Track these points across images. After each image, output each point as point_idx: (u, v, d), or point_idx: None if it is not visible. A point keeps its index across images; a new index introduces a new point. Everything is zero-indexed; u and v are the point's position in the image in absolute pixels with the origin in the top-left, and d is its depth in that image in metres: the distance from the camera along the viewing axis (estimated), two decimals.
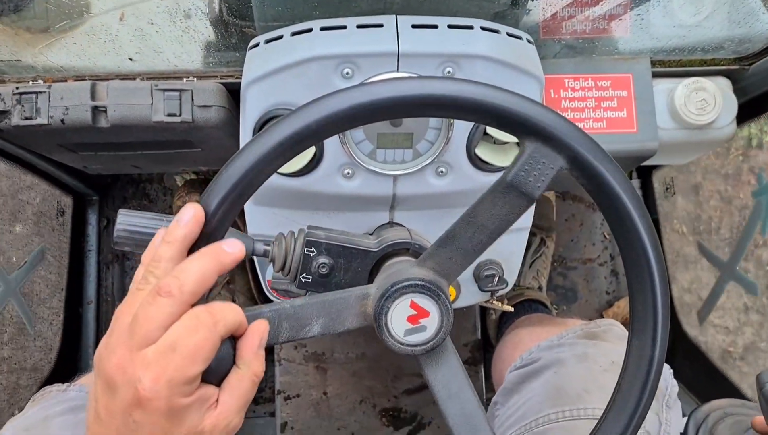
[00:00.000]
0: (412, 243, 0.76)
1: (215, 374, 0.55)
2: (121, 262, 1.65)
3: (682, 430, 0.88)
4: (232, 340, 0.56)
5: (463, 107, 0.57)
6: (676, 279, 1.56)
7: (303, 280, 0.74)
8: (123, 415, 0.51)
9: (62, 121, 0.90)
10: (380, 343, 0.61)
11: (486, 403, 1.39)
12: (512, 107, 0.56)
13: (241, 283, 1.50)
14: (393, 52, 0.77)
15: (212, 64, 0.97)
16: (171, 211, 1.61)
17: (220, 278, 1.47)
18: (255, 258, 0.78)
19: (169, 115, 0.91)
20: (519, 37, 0.85)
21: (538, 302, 1.48)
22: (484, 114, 0.57)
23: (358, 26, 0.79)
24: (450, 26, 0.80)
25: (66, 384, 0.92)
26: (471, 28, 0.80)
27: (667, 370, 0.93)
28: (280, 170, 0.69)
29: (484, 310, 1.52)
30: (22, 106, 0.90)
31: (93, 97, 0.91)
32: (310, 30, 0.80)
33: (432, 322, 0.60)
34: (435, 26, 0.80)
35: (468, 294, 0.96)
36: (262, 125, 0.81)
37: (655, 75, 0.99)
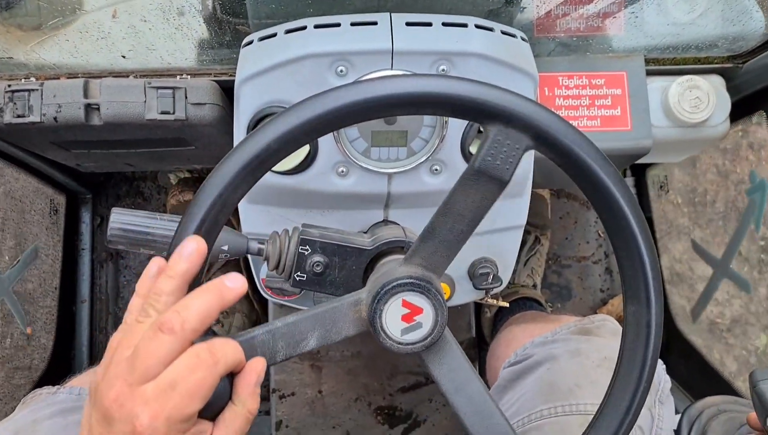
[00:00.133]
0: (407, 241, 0.76)
1: (210, 409, 0.54)
2: (115, 261, 1.65)
3: (675, 427, 0.88)
4: (230, 375, 0.56)
5: (419, 102, 0.56)
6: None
7: (297, 279, 0.74)
8: None
9: (55, 118, 0.90)
10: (375, 341, 0.61)
11: None
12: (468, 94, 0.56)
13: None
14: (387, 49, 0.77)
15: (206, 61, 0.97)
16: (165, 209, 1.61)
17: (214, 277, 1.46)
18: (249, 256, 0.78)
19: (163, 112, 0.90)
20: (513, 35, 0.85)
21: (533, 300, 1.48)
22: (441, 105, 0.57)
23: (352, 24, 0.79)
24: (444, 24, 0.80)
25: (56, 386, 0.91)
26: (465, 25, 0.80)
27: (660, 366, 0.93)
28: (274, 168, 0.69)
29: (478, 308, 1.52)
30: (15, 103, 0.89)
31: (86, 94, 0.90)
32: (304, 28, 0.80)
33: (427, 318, 0.59)
34: (429, 24, 0.80)
35: (463, 292, 0.96)
36: (256, 123, 0.81)
37: (649, 73, 0.99)
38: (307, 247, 0.73)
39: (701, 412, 0.89)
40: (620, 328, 0.65)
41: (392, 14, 0.80)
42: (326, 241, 0.73)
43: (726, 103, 1.00)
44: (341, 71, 0.78)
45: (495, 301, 1.03)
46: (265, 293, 0.96)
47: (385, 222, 0.90)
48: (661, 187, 1.58)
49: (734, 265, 1.33)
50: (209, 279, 1.39)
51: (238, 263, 1.51)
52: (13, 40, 0.92)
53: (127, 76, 0.95)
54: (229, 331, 1.40)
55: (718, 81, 1.02)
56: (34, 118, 0.90)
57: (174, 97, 0.90)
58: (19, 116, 0.90)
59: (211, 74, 0.95)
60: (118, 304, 1.65)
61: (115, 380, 0.51)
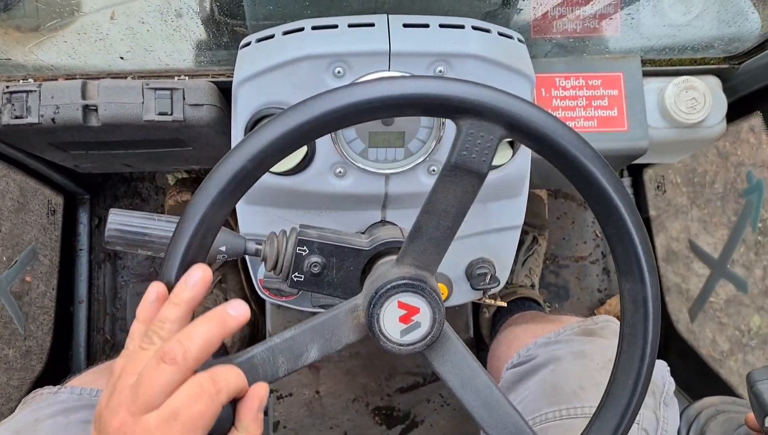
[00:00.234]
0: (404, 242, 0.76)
1: None
2: (113, 262, 1.65)
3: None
4: (232, 401, 0.56)
5: (388, 106, 0.56)
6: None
7: (295, 279, 0.74)
8: None
9: (53, 120, 0.90)
10: (373, 342, 0.61)
11: None
12: (435, 92, 0.56)
13: (234, 282, 1.50)
14: (384, 51, 0.77)
15: (204, 62, 0.97)
16: (163, 209, 1.61)
17: (213, 277, 1.47)
18: (247, 257, 0.78)
19: (161, 113, 0.91)
20: (510, 37, 0.85)
21: (531, 300, 1.48)
22: (411, 106, 0.57)
23: (350, 25, 0.79)
24: (441, 25, 0.80)
25: (57, 386, 0.92)
26: (462, 27, 0.80)
27: (664, 367, 0.93)
28: (271, 169, 0.69)
29: (477, 309, 1.52)
30: (13, 105, 0.89)
31: (84, 96, 0.90)
32: (302, 29, 0.80)
33: (424, 317, 0.60)
34: (426, 25, 0.80)
35: (460, 292, 0.96)
36: (253, 124, 0.81)
37: (646, 74, 1.00)
38: (305, 247, 0.73)
39: (699, 413, 0.89)
40: None
41: (389, 16, 0.80)
42: (324, 241, 0.73)
43: (722, 104, 1.01)
44: (339, 72, 0.78)
45: (493, 301, 1.03)
46: (263, 294, 0.96)
47: (383, 223, 0.90)
48: (658, 187, 1.58)
49: (731, 265, 1.33)
50: None
51: (236, 264, 1.51)
52: (12, 41, 0.92)
53: (125, 78, 0.95)
54: None
55: (714, 82, 1.02)
56: (32, 119, 0.90)
57: (172, 98, 0.91)
58: (17, 117, 0.90)
59: (208, 75, 0.96)
60: (116, 304, 1.64)
61: (118, 408, 0.52)
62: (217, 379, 0.53)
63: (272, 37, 0.82)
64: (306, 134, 0.57)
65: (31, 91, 0.90)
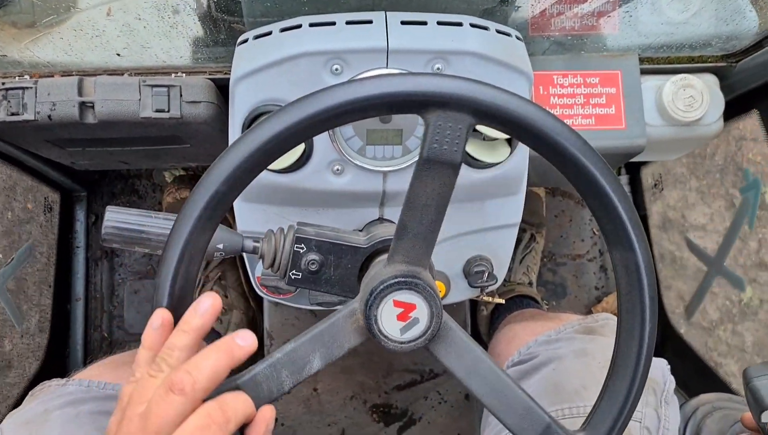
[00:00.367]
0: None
1: None
2: (110, 259, 1.64)
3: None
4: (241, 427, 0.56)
5: (353, 109, 0.56)
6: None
7: (292, 277, 0.74)
8: None
9: (49, 116, 0.89)
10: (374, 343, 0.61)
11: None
12: (396, 90, 0.56)
13: (233, 279, 1.50)
14: (382, 48, 0.77)
15: (201, 59, 0.97)
16: (160, 207, 1.61)
17: (212, 274, 1.47)
18: (245, 255, 0.78)
19: (158, 111, 0.90)
20: (508, 34, 0.85)
21: (529, 298, 1.48)
22: (376, 107, 0.57)
23: (348, 22, 0.79)
24: (439, 23, 0.80)
25: (65, 379, 0.92)
26: (460, 24, 0.80)
27: (664, 366, 0.93)
28: (269, 167, 0.69)
29: (474, 307, 1.52)
30: (8, 101, 0.89)
31: (80, 92, 0.90)
32: (299, 26, 0.80)
33: (422, 312, 0.60)
34: (424, 23, 0.80)
35: (458, 290, 0.97)
36: (251, 121, 0.81)
37: (644, 72, 1.00)
38: (303, 245, 0.73)
39: (696, 410, 0.89)
40: None
41: (387, 13, 0.80)
42: (321, 239, 0.73)
43: (720, 102, 1.01)
44: (336, 69, 0.78)
45: (491, 299, 1.03)
46: (261, 291, 0.96)
47: (381, 220, 0.90)
48: (655, 185, 1.58)
49: (727, 263, 1.34)
50: (206, 277, 1.40)
51: (235, 261, 1.51)
52: (7, 37, 0.91)
53: (122, 74, 0.95)
54: (228, 328, 1.40)
55: (711, 80, 1.02)
56: (28, 116, 0.89)
57: (169, 95, 0.90)
58: (13, 114, 0.89)
59: (206, 72, 0.95)
60: (113, 302, 1.64)
61: None
62: (225, 408, 0.53)
63: (269, 34, 0.82)
64: (268, 155, 0.57)
65: (27, 87, 0.89)
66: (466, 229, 0.92)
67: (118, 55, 0.95)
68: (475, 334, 1.52)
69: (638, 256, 0.59)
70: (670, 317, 1.54)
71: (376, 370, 1.39)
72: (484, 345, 1.41)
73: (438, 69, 0.78)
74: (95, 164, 1.28)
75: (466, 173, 0.85)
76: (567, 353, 0.94)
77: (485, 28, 0.81)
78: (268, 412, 0.57)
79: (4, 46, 0.92)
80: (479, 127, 0.82)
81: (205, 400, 0.54)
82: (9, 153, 1.18)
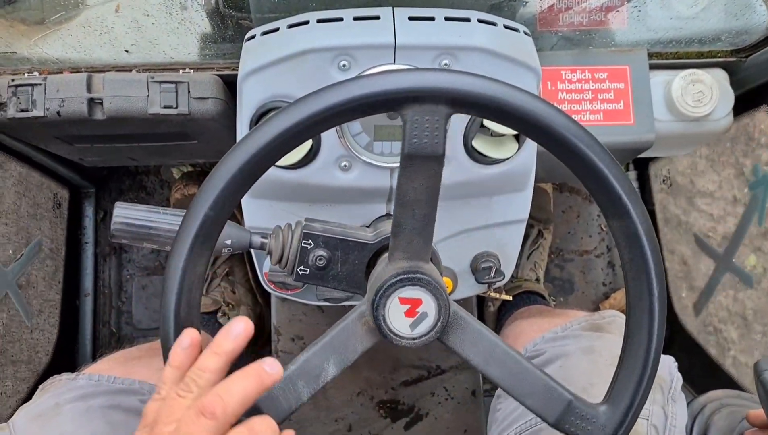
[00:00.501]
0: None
1: None
2: (118, 255, 1.65)
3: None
4: None
5: (328, 116, 0.56)
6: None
7: (300, 273, 0.74)
8: None
9: (58, 113, 0.90)
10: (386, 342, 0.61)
11: (485, 394, 1.40)
12: (367, 91, 0.56)
13: (240, 275, 1.50)
14: (390, 44, 0.77)
15: (209, 56, 0.97)
16: (168, 203, 1.61)
17: (220, 270, 1.47)
18: (252, 250, 0.79)
19: (166, 107, 0.91)
20: (516, 29, 0.84)
21: (536, 294, 1.48)
22: (352, 111, 0.57)
23: (355, 18, 0.79)
24: (447, 18, 0.80)
25: (75, 373, 0.93)
26: (468, 20, 0.80)
27: (671, 363, 0.93)
28: (276, 163, 0.69)
29: (481, 303, 1.52)
30: (18, 98, 0.90)
31: (89, 89, 0.90)
32: (307, 22, 0.80)
33: (429, 306, 0.60)
34: (432, 18, 0.79)
35: (465, 286, 0.97)
36: (259, 117, 0.81)
37: (652, 67, 0.99)
38: (310, 241, 0.73)
39: (704, 406, 0.89)
40: None
41: (395, 8, 0.80)
42: (329, 235, 0.73)
43: (729, 97, 1.00)
44: (344, 66, 0.78)
45: (498, 295, 1.03)
46: (268, 287, 0.96)
47: (388, 216, 0.90)
48: (663, 180, 1.57)
49: (736, 259, 1.33)
50: (213, 273, 1.40)
51: (242, 257, 1.52)
52: (17, 34, 0.92)
53: (130, 71, 0.95)
54: None
55: (721, 75, 1.02)
56: (37, 112, 0.90)
57: (177, 92, 0.91)
58: (22, 110, 0.90)
59: (213, 69, 0.95)
60: (121, 297, 1.65)
61: None
62: (254, 433, 0.54)
63: (277, 30, 0.82)
64: (249, 176, 0.57)
65: (36, 84, 0.90)
66: (473, 225, 0.92)
67: (127, 51, 0.95)
68: None
69: (636, 224, 0.58)
70: (677, 314, 1.53)
71: (382, 366, 1.39)
72: None
73: (446, 65, 0.78)
74: (103, 160, 1.28)
75: (473, 169, 0.85)
76: (574, 350, 0.94)
77: (493, 24, 0.81)
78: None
79: (13, 43, 0.93)
80: (486, 123, 0.82)
81: (233, 425, 0.54)
82: (18, 149, 1.19)
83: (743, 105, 1.05)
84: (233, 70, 0.95)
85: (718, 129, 1.01)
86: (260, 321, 1.52)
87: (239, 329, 0.57)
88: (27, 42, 0.93)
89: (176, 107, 0.91)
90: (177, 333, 0.57)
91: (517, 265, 1.53)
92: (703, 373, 1.42)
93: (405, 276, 0.59)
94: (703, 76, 0.98)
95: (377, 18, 0.79)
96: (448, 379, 1.40)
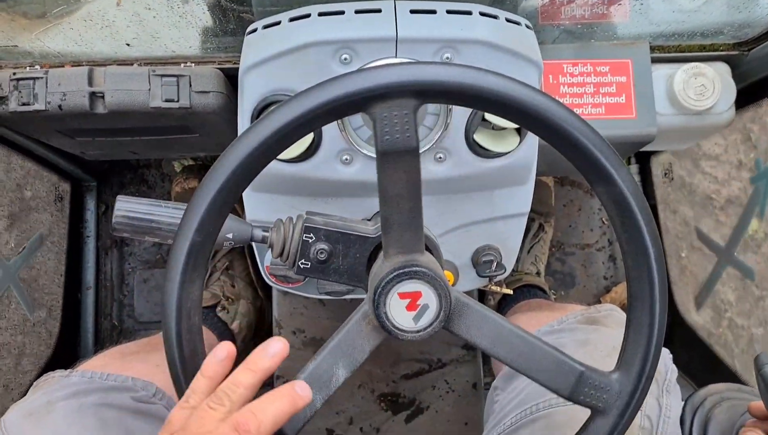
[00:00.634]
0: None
1: None
2: (120, 248, 1.65)
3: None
4: None
5: (299, 125, 0.56)
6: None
7: (301, 266, 0.74)
8: None
9: (59, 106, 0.90)
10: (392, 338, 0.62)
11: (485, 388, 1.40)
12: (332, 97, 0.56)
13: (241, 269, 1.50)
14: (391, 37, 0.77)
15: (210, 49, 0.97)
16: (169, 196, 1.61)
17: (219, 264, 1.47)
18: (254, 244, 0.79)
19: (167, 100, 0.91)
20: (518, 23, 0.84)
21: (537, 287, 1.48)
22: (323, 116, 0.57)
23: (357, 11, 0.79)
24: (448, 11, 0.80)
25: (68, 370, 0.92)
26: (470, 13, 0.80)
27: (666, 355, 0.93)
28: (278, 157, 0.69)
29: (482, 296, 1.53)
30: (20, 92, 0.90)
31: (90, 82, 0.90)
32: (308, 15, 0.80)
33: (429, 297, 0.60)
34: (433, 11, 0.79)
35: (466, 279, 0.97)
36: (260, 111, 0.81)
37: (654, 60, 0.99)
38: (311, 234, 0.73)
39: (704, 400, 0.89)
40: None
41: (396, 1, 0.80)
42: (330, 228, 0.73)
43: (731, 91, 1.00)
44: (345, 59, 0.78)
45: (499, 289, 1.03)
46: (270, 281, 0.96)
47: None
48: (665, 174, 1.57)
49: (738, 253, 1.33)
50: (213, 267, 1.40)
51: (243, 251, 1.52)
52: (18, 28, 0.92)
53: (132, 64, 0.95)
54: (235, 318, 1.40)
55: (723, 68, 1.01)
56: (39, 106, 0.90)
57: (178, 85, 0.91)
58: (24, 104, 0.90)
59: (215, 62, 0.95)
60: (123, 291, 1.65)
61: None
62: None
63: (279, 23, 0.82)
64: (232, 192, 0.57)
65: (37, 78, 0.90)
66: (474, 219, 0.92)
67: (128, 45, 0.95)
68: None
69: (621, 187, 0.58)
70: (678, 307, 1.54)
71: (384, 360, 1.40)
72: None
73: (447, 58, 0.78)
74: (105, 154, 1.28)
75: (475, 163, 0.85)
76: (568, 343, 0.94)
77: (495, 17, 0.81)
78: None
79: (14, 37, 0.93)
80: (488, 117, 0.81)
81: None
82: (20, 143, 1.19)
83: (745, 98, 1.05)
84: (234, 63, 0.95)
85: (720, 122, 1.01)
86: (260, 314, 1.53)
87: (276, 349, 0.58)
88: (28, 36, 0.93)
89: (177, 101, 0.91)
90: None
91: (518, 259, 1.53)
92: (703, 367, 1.42)
93: (401, 271, 0.59)
94: (706, 70, 0.98)
95: (379, 11, 0.79)
96: (449, 373, 1.40)
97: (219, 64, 0.95)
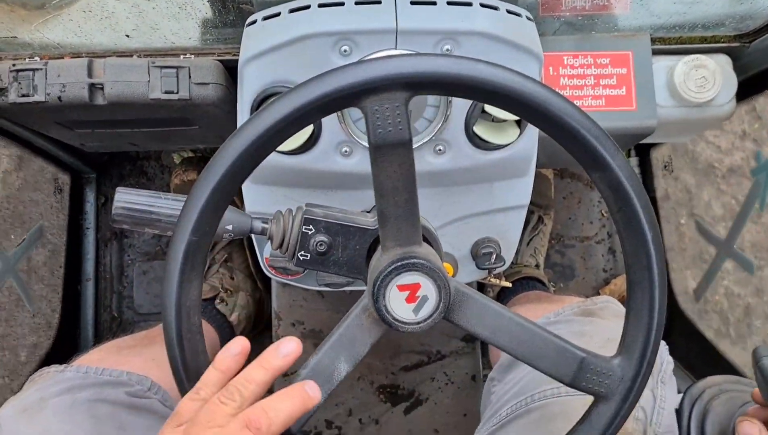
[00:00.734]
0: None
1: None
2: (119, 240, 1.65)
3: (677, 407, 0.89)
4: None
5: (289, 123, 0.56)
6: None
7: (301, 258, 0.74)
8: None
9: (59, 98, 0.90)
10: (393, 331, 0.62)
11: (484, 380, 1.40)
12: (323, 93, 0.56)
13: (239, 261, 1.51)
14: (391, 29, 0.77)
15: (209, 41, 0.96)
16: (169, 188, 1.61)
17: (218, 256, 1.47)
18: (253, 236, 0.79)
19: (167, 92, 0.90)
20: (518, 14, 0.84)
21: (536, 280, 1.49)
22: (307, 117, 0.57)
23: (357, 3, 0.79)
24: (449, 2, 0.79)
25: (63, 365, 0.92)
26: (470, 4, 0.79)
27: (663, 347, 0.94)
28: (278, 148, 0.69)
29: (481, 289, 1.53)
30: (19, 83, 0.89)
31: (90, 74, 0.90)
32: (308, 7, 0.79)
33: (428, 289, 0.60)
34: (434, 2, 0.79)
35: (466, 272, 0.97)
36: (260, 103, 0.81)
37: (655, 52, 0.99)
38: (311, 226, 0.73)
39: (703, 392, 0.89)
40: (623, 310, 0.65)
41: None
42: (330, 220, 0.73)
43: (732, 83, 1.00)
44: (345, 51, 0.77)
45: (498, 281, 1.03)
46: (269, 272, 0.97)
47: None
48: (665, 166, 1.57)
49: (737, 245, 1.33)
50: (212, 259, 1.40)
51: (242, 242, 1.52)
52: (17, 19, 0.91)
53: (131, 56, 0.95)
54: (233, 310, 1.41)
55: (724, 60, 1.01)
56: (38, 97, 0.90)
57: (178, 77, 0.90)
58: (23, 96, 0.90)
59: (214, 54, 0.95)
60: (123, 282, 1.66)
61: None
62: None
63: (278, 14, 0.81)
64: (223, 194, 0.58)
65: (37, 69, 0.89)
66: (474, 211, 0.92)
67: (127, 36, 0.95)
68: None
69: (617, 173, 0.58)
70: (677, 299, 1.54)
71: (383, 352, 1.40)
72: None
73: (447, 50, 0.78)
74: (104, 146, 1.28)
75: (475, 155, 0.85)
76: (564, 334, 0.93)
77: (495, 8, 0.81)
78: None
79: (14, 28, 0.92)
80: (488, 109, 0.81)
81: None
82: (19, 134, 1.19)
83: (746, 90, 1.04)
84: (234, 55, 0.94)
85: (721, 115, 1.01)
86: (259, 306, 1.53)
87: (290, 348, 0.58)
88: (28, 27, 0.92)
89: (177, 92, 0.90)
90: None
91: (517, 251, 1.53)
92: (702, 359, 1.43)
93: (399, 263, 0.59)
94: (707, 62, 0.97)
95: (379, 2, 0.79)
96: (448, 364, 1.41)
97: (219, 55, 0.95)
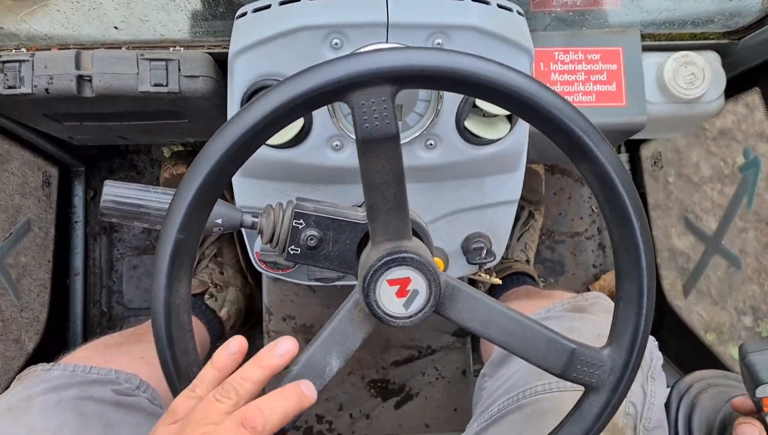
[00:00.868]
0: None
1: None
2: (109, 234, 1.64)
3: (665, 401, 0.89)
4: None
5: (275, 119, 0.56)
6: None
7: (291, 252, 0.74)
8: None
9: (46, 90, 0.89)
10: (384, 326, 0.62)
11: (474, 374, 1.41)
12: (308, 88, 0.55)
13: (230, 256, 1.50)
14: (382, 22, 0.76)
15: (199, 33, 0.96)
16: (158, 182, 1.61)
17: (208, 251, 1.47)
18: (243, 230, 0.78)
19: (156, 85, 0.90)
20: (509, 9, 0.84)
21: (526, 275, 1.49)
22: (294, 112, 0.56)
23: None
24: None
25: (51, 363, 0.92)
26: None
27: (651, 343, 0.94)
28: (268, 142, 0.69)
29: (472, 284, 1.53)
30: (5, 74, 0.88)
31: (78, 66, 0.89)
32: None
33: (418, 283, 0.60)
34: None
35: (456, 267, 0.97)
36: (250, 96, 0.80)
37: (645, 49, 0.99)
38: (301, 220, 0.73)
39: (690, 386, 0.90)
40: (612, 306, 0.65)
41: None
42: (320, 214, 0.73)
43: (721, 80, 1.00)
44: (336, 44, 0.77)
45: (488, 277, 1.03)
46: (259, 267, 0.96)
47: None
48: (654, 162, 1.58)
49: (725, 241, 1.34)
50: (202, 254, 1.40)
51: (232, 237, 1.51)
52: (3, 9, 0.90)
53: (120, 48, 0.94)
54: (223, 305, 1.40)
55: (713, 57, 1.01)
56: (25, 89, 0.89)
57: (167, 69, 0.90)
58: (10, 87, 0.89)
59: (204, 46, 0.94)
60: (112, 277, 1.65)
61: None
62: None
63: (269, 7, 0.81)
64: (209, 193, 0.57)
65: (23, 60, 0.89)
66: (464, 206, 0.92)
67: (116, 28, 0.94)
68: None
69: (602, 163, 0.58)
70: (666, 295, 1.55)
71: (373, 346, 1.40)
72: None
73: (438, 44, 0.78)
74: (93, 139, 1.27)
75: (465, 150, 0.85)
76: (555, 330, 0.94)
77: (486, 3, 0.81)
78: None
79: (0, 19, 0.91)
80: (479, 103, 0.81)
81: None
82: (6, 127, 1.18)
83: (735, 87, 1.05)
84: (224, 48, 0.94)
85: (710, 111, 1.02)
86: (250, 301, 1.52)
87: (286, 348, 0.59)
88: (14, 17, 0.91)
89: (166, 85, 0.90)
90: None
91: (508, 247, 1.53)
92: (691, 354, 1.44)
93: (389, 258, 0.59)
94: (696, 58, 0.98)
95: None
96: (438, 359, 1.41)
97: (208, 48, 0.94)
